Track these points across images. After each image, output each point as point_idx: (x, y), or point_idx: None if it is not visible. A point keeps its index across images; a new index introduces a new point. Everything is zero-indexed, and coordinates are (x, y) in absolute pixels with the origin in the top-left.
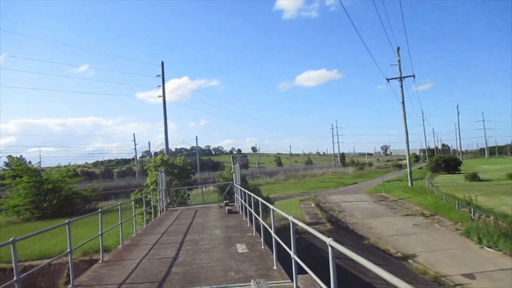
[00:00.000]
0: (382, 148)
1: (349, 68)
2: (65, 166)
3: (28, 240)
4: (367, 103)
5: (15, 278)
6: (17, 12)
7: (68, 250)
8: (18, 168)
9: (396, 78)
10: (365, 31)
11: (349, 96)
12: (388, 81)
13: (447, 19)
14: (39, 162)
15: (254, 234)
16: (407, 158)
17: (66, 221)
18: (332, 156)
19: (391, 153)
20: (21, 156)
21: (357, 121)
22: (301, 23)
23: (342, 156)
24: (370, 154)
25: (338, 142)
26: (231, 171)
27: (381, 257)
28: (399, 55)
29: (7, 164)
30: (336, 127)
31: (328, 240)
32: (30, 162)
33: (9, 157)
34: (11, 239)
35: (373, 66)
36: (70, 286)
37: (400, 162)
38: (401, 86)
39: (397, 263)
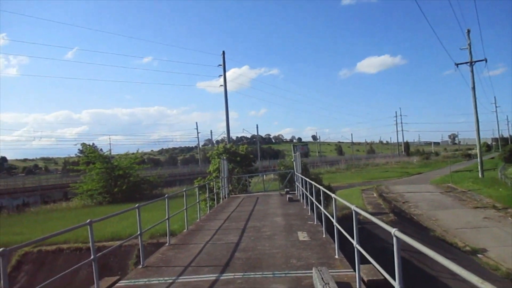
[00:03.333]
0: (449, 136)
1: (414, 54)
2: (133, 153)
3: (101, 222)
4: (433, 90)
5: (92, 257)
6: (84, 8)
7: (138, 232)
8: (91, 155)
9: (466, 62)
10: (432, 14)
11: (413, 83)
12: (457, 66)
13: None
14: (110, 150)
15: (315, 223)
16: (478, 147)
17: (136, 205)
18: (396, 145)
19: (459, 142)
20: (93, 144)
21: (423, 108)
22: (362, 8)
23: (407, 145)
24: (436, 143)
25: (402, 130)
26: (292, 160)
27: (448, 250)
28: (469, 38)
29: (81, 152)
30: (400, 115)
31: (393, 230)
32: (101, 149)
33: (83, 144)
34: (88, 221)
35: (439, 51)
36: (140, 266)
37: (469, 151)
38: (472, 71)
39: (465, 258)
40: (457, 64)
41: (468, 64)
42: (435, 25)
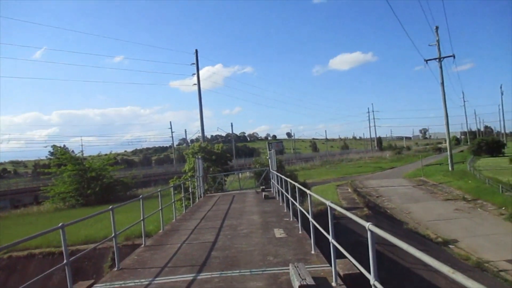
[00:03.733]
0: (420, 131)
1: (385, 50)
2: (105, 154)
3: (74, 225)
4: (404, 86)
5: (65, 261)
6: (53, 5)
7: (113, 234)
8: (63, 157)
9: (435, 58)
10: (401, 11)
11: (385, 79)
12: (427, 62)
13: None
14: (82, 151)
15: (291, 219)
16: (448, 141)
17: (110, 207)
18: (369, 141)
19: (430, 136)
20: (64, 145)
21: (394, 104)
22: (333, 6)
23: (379, 140)
24: (408, 138)
25: (374, 126)
26: (267, 157)
27: (421, 242)
28: (438, 35)
29: (52, 154)
30: (373, 111)
31: (367, 225)
32: (73, 151)
33: (54, 146)
34: (60, 224)
35: (410, 47)
36: (115, 269)
37: (440, 145)
38: (440, 67)
39: (438, 249)
40: (426, 60)
41: (437, 60)
42: (405, 22)
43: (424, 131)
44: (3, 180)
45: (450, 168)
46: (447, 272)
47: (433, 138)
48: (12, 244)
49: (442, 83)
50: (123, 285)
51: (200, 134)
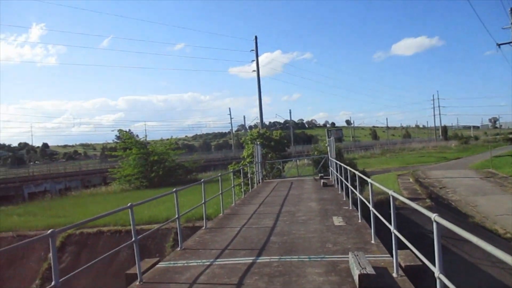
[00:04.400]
0: (490, 120)
1: (452, 34)
2: (167, 139)
3: (138, 206)
4: (472, 72)
5: (133, 239)
6: None
7: (176, 216)
8: (128, 141)
9: (509, 42)
10: None
11: (452, 65)
12: (499, 47)
13: None
14: (145, 136)
15: (350, 208)
16: None
17: (174, 189)
18: (433, 129)
19: (501, 126)
20: (129, 130)
21: (462, 91)
22: None
23: (444, 129)
24: (476, 127)
25: (440, 114)
26: (326, 145)
27: (488, 237)
28: None
29: (118, 138)
30: (438, 99)
31: (433, 216)
32: (137, 135)
33: (120, 131)
34: (129, 204)
35: (479, 31)
36: (178, 248)
37: (511, 135)
38: None
39: (506, 245)
40: (499, 45)
41: (511, 44)
42: (475, 3)
43: (494, 120)
44: (74, 162)
45: None
46: None
47: (504, 128)
48: (86, 221)
49: None
50: (185, 264)
51: (258, 121)
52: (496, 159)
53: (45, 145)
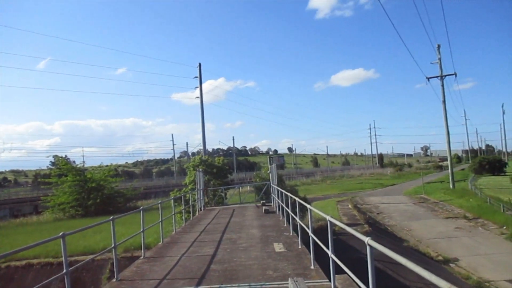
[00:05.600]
0: (422, 148)
1: (387, 67)
2: (106, 165)
3: (72, 236)
4: (405, 103)
5: (64, 270)
6: (57, 17)
7: (113, 245)
8: (64, 167)
9: (437, 76)
10: (403, 29)
11: (387, 96)
12: (429, 80)
13: (489, 14)
14: (83, 162)
15: (291, 234)
16: (449, 159)
17: (111, 217)
18: (370, 157)
19: (431, 154)
20: (65, 156)
21: (396, 121)
22: (335, 22)
23: (381, 157)
24: (409, 155)
25: (376, 142)
26: (268, 172)
27: (421, 260)
28: (439, 53)
29: (53, 164)
30: (374, 128)
31: (367, 239)
32: (74, 161)
33: (55, 156)
34: (61, 234)
35: (411, 65)
36: (114, 280)
37: (441, 163)
38: (442, 85)
39: (438, 267)
40: (428, 78)
41: (439, 78)
42: (407, 40)
43: (425, 149)
44: (3, 189)
45: (451, 186)
46: (444, 286)
47: (435, 156)
48: (13, 252)
49: (444, 101)
50: None
51: (201, 147)
52: (427, 185)
53: None
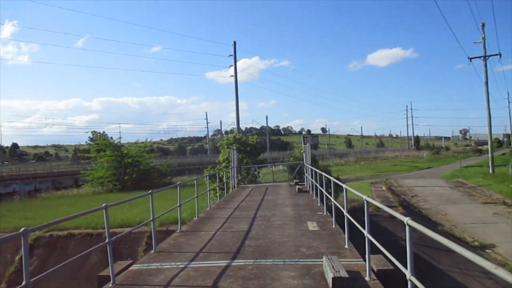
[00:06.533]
0: (460, 131)
1: (426, 47)
2: (142, 142)
3: (110, 209)
4: (445, 84)
5: (107, 240)
6: None
7: (151, 218)
8: (102, 143)
9: (480, 57)
10: (445, 6)
11: (425, 76)
12: (471, 60)
13: None
14: (119, 138)
15: (325, 213)
16: (489, 142)
17: (149, 191)
18: (406, 139)
19: (470, 137)
20: (103, 132)
21: (434, 102)
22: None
23: (417, 139)
24: (447, 138)
25: (412, 124)
26: (302, 151)
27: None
28: (484, 32)
29: (91, 139)
30: (411, 109)
31: (406, 219)
32: (111, 137)
33: (94, 132)
34: (104, 205)
35: (452, 44)
36: (152, 251)
37: (480, 147)
38: (485, 66)
39: (474, 252)
40: (470, 58)
41: (482, 58)
42: (449, 18)
43: (464, 132)
44: (45, 163)
45: (490, 171)
46: (489, 267)
47: (474, 139)
48: (59, 221)
49: (486, 83)
50: (159, 266)
51: (235, 126)
52: (465, 169)
53: (14, 145)
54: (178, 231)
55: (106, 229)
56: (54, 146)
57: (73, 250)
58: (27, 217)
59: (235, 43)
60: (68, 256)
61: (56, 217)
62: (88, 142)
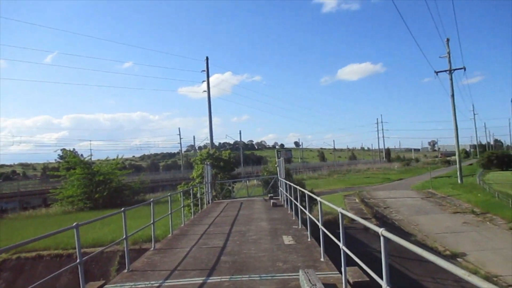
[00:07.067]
0: (429, 143)
1: (394, 61)
2: (114, 159)
3: (81, 228)
4: (413, 97)
5: (78, 260)
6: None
7: (124, 236)
8: (72, 160)
9: (446, 70)
10: (412, 22)
11: (394, 90)
12: (437, 74)
13: (499, 8)
14: (90, 155)
15: (300, 227)
16: (457, 153)
17: (122, 209)
18: (377, 152)
19: (439, 148)
20: (73, 149)
21: (403, 115)
22: (342, 16)
23: (388, 151)
24: (417, 150)
25: (383, 137)
26: (276, 165)
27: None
28: (449, 47)
29: (61, 157)
30: (381, 122)
31: (380, 230)
32: (82, 155)
33: (63, 150)
34: (74, 224)
35: (419, 59)
36: (126, 270)
37: (448, 158)
38: (451, 79)
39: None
40: (436, 72)
41: (447, 72)
42: (415, 33)
43: (433, 143)
44: (12, 182)
45: (459, 181)
46: (462, 275)
47: (442, 151)
48: (25, 243)
49: (452, 95)
50: (133, 286)
51: (208, 141)
52: (435, 180)
53: None
54: (152, 249)
55: (77, 249)
56: (21, 164)
57: (41, 272)
58: None
59: (207, 58)
60: (37, 279)
61: (23, 238)
62: (58, 160)
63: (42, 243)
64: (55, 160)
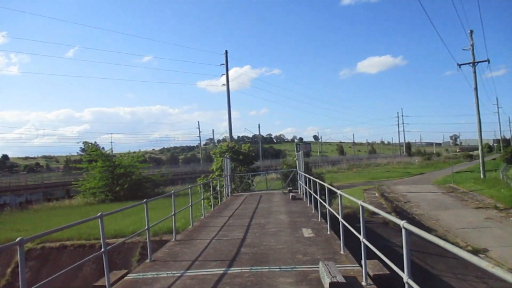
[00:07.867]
0: (451, 137)
1: (415, 54)
2: (134, 152)
3: (104, 219)
4: (434, 91)
5: (102, 249)
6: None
7: (146, 227)
8: (94, 153)
9: (469, 63)
10: (434, 14)
11: (415, 83)
12: (460, 67)
13: None
14: (111, 148)
15: (319, 220)
16: (480, 148)
17: (144, 200)
18: (397, 146)
19: (461, 142)
20: (95, 142)
21: (424, 109)
22: (362, 8)
23: (408, 145)
24: (438, 144)
25: (403, 131)
26: (295, 159)
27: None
28: (472, 38)
29: (83, 150)
30: (402, 116)
31: (402, 223)
32: (103, 148)
33: (85, 143)
34: (99, 214)
35: (441, 51)
36: (148, 260)
37: (471, 152)
38: (474, 72)
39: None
40: (459, 65)
41: (471, 64)
42: (437, 26)
43: (455, 138)
44: (36, 174)
45: (481, 176)
46: (485, 267)
47: (464, 145)
48: (50, 232)
49: (476, 89)
50: (155, 275)
51: (227, 135)
52: (456, 174)
53: (4, 157)
54: (173, 240)
55: (101, 238)
56: (45, 157)
57: (65, 262)
58: (19, 229)
59: (226, 52)
60: (61, 268)
61: (48, 228)
62: (80, 152)
63: (66, 234)
64: (77, 153)
